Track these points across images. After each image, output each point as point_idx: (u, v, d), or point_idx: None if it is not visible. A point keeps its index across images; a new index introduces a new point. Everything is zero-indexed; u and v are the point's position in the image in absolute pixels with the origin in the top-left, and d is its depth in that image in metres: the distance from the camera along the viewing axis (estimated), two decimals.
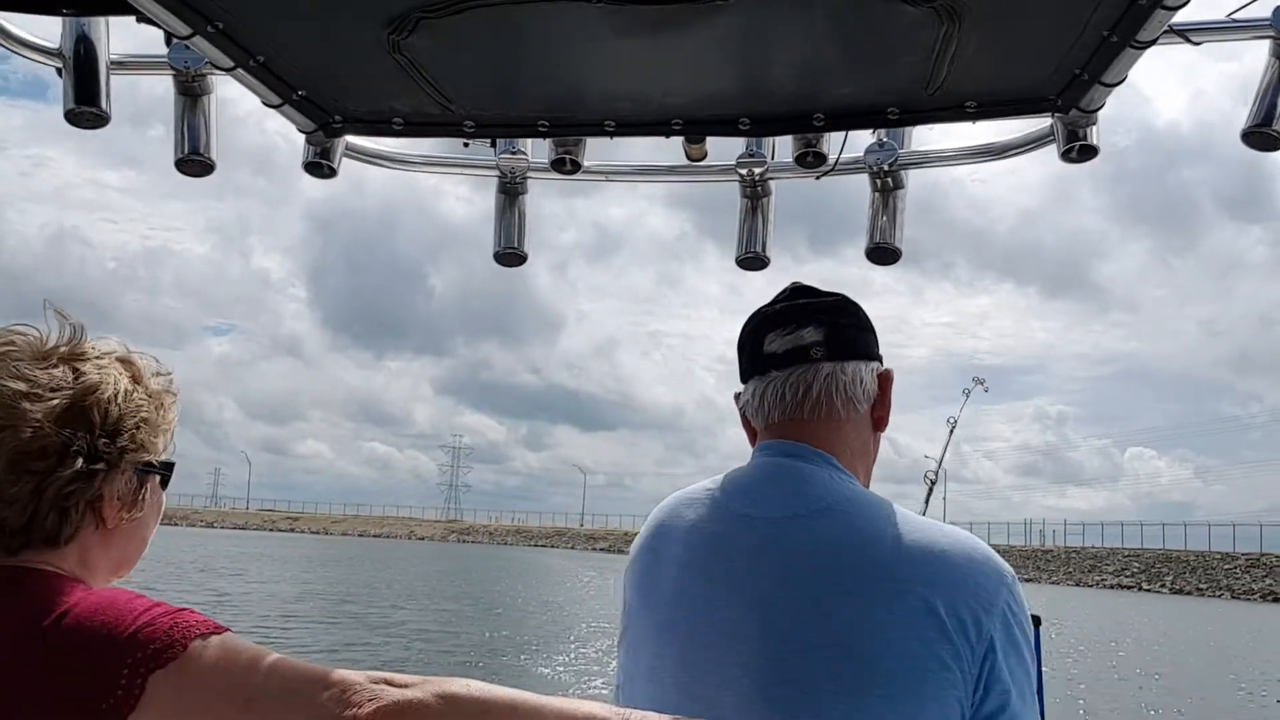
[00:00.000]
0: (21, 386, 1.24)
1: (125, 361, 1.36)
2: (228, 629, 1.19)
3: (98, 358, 1.33)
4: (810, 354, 1.53)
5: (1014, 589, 1.38)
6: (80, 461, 1.25)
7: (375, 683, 1.14)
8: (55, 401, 1.25)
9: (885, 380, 1.58)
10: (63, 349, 1.31)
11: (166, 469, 1.39)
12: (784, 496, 1.47)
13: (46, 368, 1.28)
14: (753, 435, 1.61)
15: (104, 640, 1.13)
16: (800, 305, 1.57)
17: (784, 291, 1.62)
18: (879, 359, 1.60)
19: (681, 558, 1.50)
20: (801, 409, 1.53)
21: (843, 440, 1.53)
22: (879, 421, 1.59)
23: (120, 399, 1.31)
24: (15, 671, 1.13)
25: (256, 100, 2.01)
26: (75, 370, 1.29)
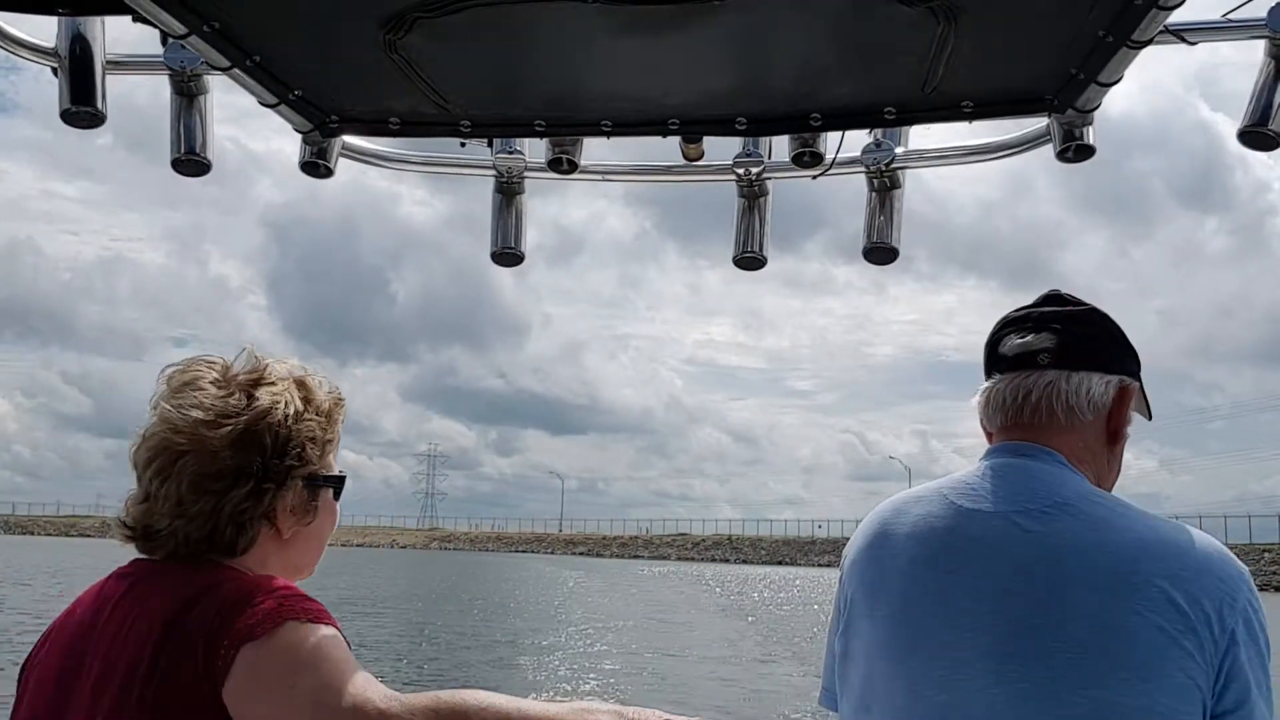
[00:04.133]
0: (202, 415, 1.37)
1: (300, 383, 1.47)
2: (333, 624, 1.27)
3: (271, 383, 1.43)
4: (1037, 360, 1.54)
5: (1253, 588, 1.38)
6: (252, 482, 1.37)
7: (388, 699, 1.20)
8: (230, 427, 1.37)
9: (1124, 394, 1.57)
10: (241, 377, 1.43)
11: (337, 482, 1.49)
12: (1015, 493, 1.48)
13: (224, 396, 1.39)
14: (988, 436, 1.62)
15: (224, 615, 1.26)
16: (1042, 312, 1.59)
17: (1039, 297, 1.63)
18: (1126, 373, 1.58)
19: (911, 551, 1.51)
20: (1022, 413, 1.55)
21: (1068, 446, 1.53)
22: (1113, 435, 1.58)
23: (290, 421, 1.42)
24: (159, 645, 1.26)
25: None
26: (250, 397, 1.40)
